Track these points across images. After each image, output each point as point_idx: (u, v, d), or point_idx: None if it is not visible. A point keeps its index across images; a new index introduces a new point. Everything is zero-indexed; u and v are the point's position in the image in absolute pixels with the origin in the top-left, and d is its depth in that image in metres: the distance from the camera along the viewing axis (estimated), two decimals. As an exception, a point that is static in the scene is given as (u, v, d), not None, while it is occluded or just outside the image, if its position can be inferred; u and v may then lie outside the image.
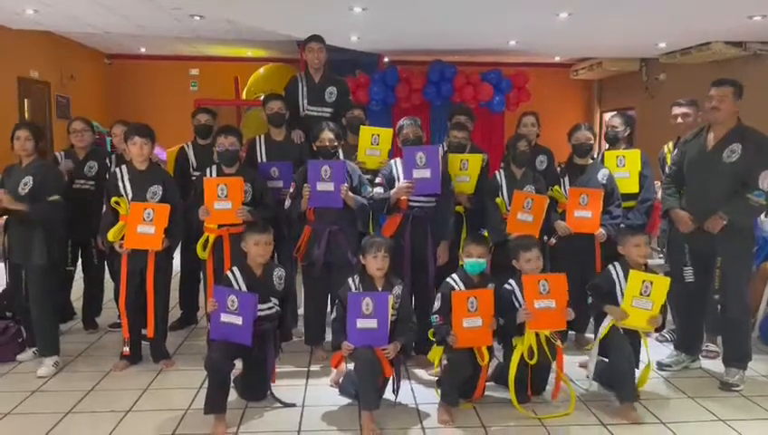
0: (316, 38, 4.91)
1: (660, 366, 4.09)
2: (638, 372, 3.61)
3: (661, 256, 7.10)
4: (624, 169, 4.53)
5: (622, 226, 4.27)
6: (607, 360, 3.62)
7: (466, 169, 4.39)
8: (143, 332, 4.10)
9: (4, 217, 4.04)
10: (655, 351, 4.30)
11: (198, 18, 7.44)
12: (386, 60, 10.25)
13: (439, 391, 3.51)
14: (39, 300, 3.97)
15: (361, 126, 4.67)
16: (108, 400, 3.61)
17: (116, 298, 4.25)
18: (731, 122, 3.77)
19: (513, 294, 3.57)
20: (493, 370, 3.75)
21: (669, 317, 4.24)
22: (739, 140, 3.70)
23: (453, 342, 3.39)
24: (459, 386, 3.44)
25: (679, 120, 4.54)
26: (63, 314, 4.70)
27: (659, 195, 5.49)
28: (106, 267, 4.78)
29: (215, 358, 3.32)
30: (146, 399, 3.64)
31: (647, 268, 3.68)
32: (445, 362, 3.49)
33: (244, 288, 3.51)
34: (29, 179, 3.89)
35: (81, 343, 4.51)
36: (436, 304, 3.55)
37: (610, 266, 3.73)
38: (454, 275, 3.62)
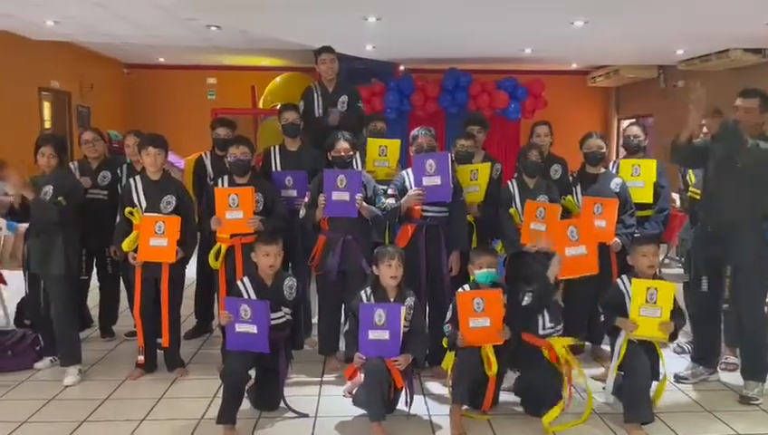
0: (328, 49, 4.94)
1: (678, 379, 4.03)
2: (654, 385, 3.57)
3: (680, 265, 7.03)
4: (639, 178, 4.47)
5: (637, 234, 4.22)
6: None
7: (476, 180, 4.37)
8: (158, 340, 4.13)
9: (26, 224, 4.10)
10: (672, 363, 4.24)
11: (214, 28, 7.51)
12: (401, 68, 10.27)
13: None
14: (60, 310, 4.01)
15: (369, 138, 4.69)
16: (123, 408, 3.64)
17: (130, 307, 4.29)
18: (754, 134, 3.70)
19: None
20: (514, 382, 3.71)
21: (688, 328, 4.19)
22: None
23: (460, 341, 3.39)
24: (468, 386, 3.41)
25: (704, 130, 4.49)
26: (81, 323, 4.74)
27: (677, 204, 5.45)
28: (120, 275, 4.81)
29: (232, 369, 3.35)
30: (160, 407, 3.66)
31: (656, 278, 3.63)
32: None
33: (253, 298, 3.52)
34: (49, 188, 3.96)
35: (98, 351, 4.55)
36: (449, 314, 3.56)
37: (618, 280, 3.70)
38: (465, 287, 3.62)
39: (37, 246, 4.00)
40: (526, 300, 3.51)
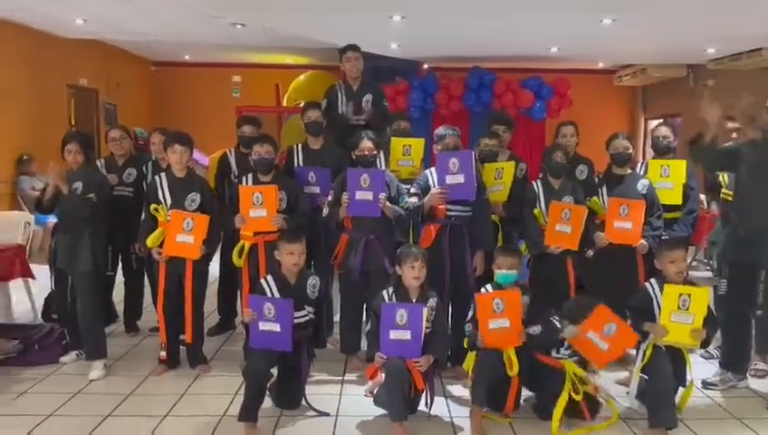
0: (353, 48, 4.94)
1: (705, 385, 3.95)
2: (680, 391, 3.50)
3: (708, 268, 6.91)
4: (668, 178, 4.39)
5: (665, 236, 4.14)
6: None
7: (501, 178, 4.33)
8: (181, 337, 4.16)
9: (53, 221, 4.14)
10: (700, 369, 4.15)
11: (239, 26, 7.55)
12: (425, 66, 10.23)
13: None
14: (87, 305, 4.07)
15: (393, 137, 4.67)
16: (146, 404, 3.68)
17: (154, 303, 4.33)
18: None
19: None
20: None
21: (717, 334, 4.10)
22: None
23: (480, 342, 3.37)
24: (488, 386, 3.38)
25: (734, 135, 4.39)
26: (106, 318, 4.80)
27: (704, 205, 5.35)
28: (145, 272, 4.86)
29: (255, 367, 3.35)
30: (183, 404, 3.69)
31: (686, 283, 3.55)
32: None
33: (277, 296, 3.53)
34: (79, 185, 4.03)
35: (122, 347, 4.60)
36: (470, 314, 3.55)
37: (647, 284, 3.63)
38: (488, 286, 3.59)
39: (65, 242, 4.05)
40: (534, 330, 3.45)
